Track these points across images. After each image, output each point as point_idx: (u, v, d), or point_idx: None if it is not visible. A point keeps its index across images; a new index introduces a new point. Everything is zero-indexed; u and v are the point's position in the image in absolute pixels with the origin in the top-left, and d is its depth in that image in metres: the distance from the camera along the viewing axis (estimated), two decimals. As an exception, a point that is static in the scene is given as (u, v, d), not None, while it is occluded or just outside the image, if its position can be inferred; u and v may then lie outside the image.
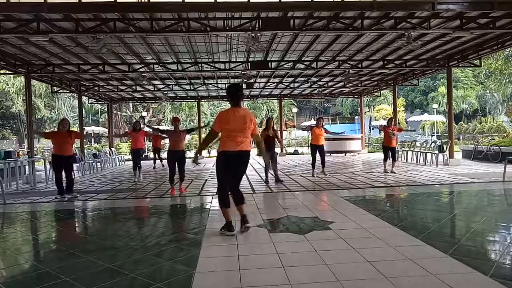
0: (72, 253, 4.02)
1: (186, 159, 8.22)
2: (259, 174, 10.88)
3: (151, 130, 8.26)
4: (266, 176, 9.32)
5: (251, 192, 7.93)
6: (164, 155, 15.44)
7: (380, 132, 36.83)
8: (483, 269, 3.11)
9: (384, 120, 34.27)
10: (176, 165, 7.72)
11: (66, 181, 7.81)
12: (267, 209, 6.12)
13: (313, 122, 30.86)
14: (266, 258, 3.59)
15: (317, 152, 10.24)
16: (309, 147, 10.79)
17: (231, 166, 4.45)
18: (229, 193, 4.53)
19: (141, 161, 10.62)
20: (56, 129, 7.98)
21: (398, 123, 12.04)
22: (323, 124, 10.51)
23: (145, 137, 10.92)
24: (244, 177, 10.53)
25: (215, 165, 4.56)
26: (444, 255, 3.49)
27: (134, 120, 30.32)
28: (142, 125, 11.98)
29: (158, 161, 14.66)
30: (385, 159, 10.91)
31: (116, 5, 7.59)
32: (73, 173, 7.99)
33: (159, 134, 8.20)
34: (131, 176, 11.15)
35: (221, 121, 4.42)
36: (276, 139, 9.24)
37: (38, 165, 13.09)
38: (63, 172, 7.80)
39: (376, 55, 13.01)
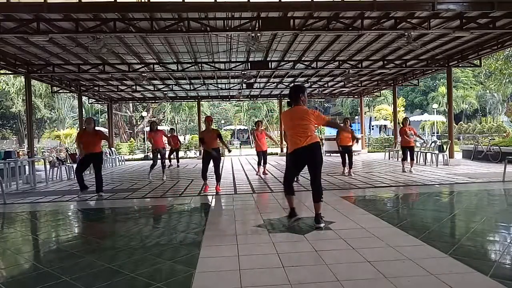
0: (72, 253, 4.02)
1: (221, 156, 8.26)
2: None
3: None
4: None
5: (251, 192, 7.93)
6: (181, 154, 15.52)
7: (380, 132, 36.91)
8: (483, 269, 3.11)
9: (385, 120, 34.34)
10: (212, 164, 7.75)
11: (96, 179, 7.92)
12: (267, 209, 6.12)
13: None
14: (266, 258, 3.59)
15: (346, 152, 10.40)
16: (338, 148, 10.86)
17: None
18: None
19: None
20: (84, 128, 8.16)
21: (398, 123, 12.06)
22: (351, 124, 10.63)
23: (163, 137, 10.90)
24: (244, 176, 10.65)
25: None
26: (444, 255, 3.48)
27: (135, 120, 30.21)
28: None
29: (173, 161, 14.80)
30: (404, 159, 10.87)
31: (116, 5, 7.60)
32: (101, 172, 8.09)
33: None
34: (131, 176, 11.15)
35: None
36: None
37: (38, 165, 13.09)
38: (87, 171, 7.89)
39: (376, 55, 13.01)
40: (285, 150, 9.86)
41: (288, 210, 4.97)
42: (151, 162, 15.09)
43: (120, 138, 31.96)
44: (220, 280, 3.11)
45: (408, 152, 10.72)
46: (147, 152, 20.78)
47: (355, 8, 8.13)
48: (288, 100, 4.88)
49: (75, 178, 8.47)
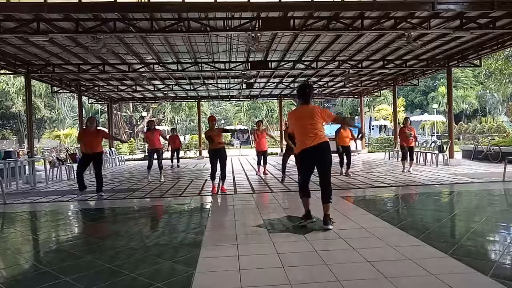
0: (72, 253, 4.02)
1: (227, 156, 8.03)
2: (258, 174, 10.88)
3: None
4: (284, 174, 9.33)
5: (251, 192, 7.93)
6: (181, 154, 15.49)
7: (380, 132, 36.93)
8: (483, 269, 3.11)
9: (385, 120, 34.34)
10: (218, 163, 7.66)
11: (96, 179, 7.93)
12: (267, 209, 6.12)
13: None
14: (266, 258, 3.59)
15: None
16: (336, 148, 10.78)
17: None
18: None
19: (154, 161, 10.33)
20: (84, 127, 8.11)
21: (398, 123, 11.96)
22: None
23: (160, 137, 10.59)
24: (244, 176, 10.64)
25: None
26: (444, 255, 3.49)
27: (135, 120, 30.14)
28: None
29: (175, 161, 14.79)
30: (403, 159, 10.87)
31: (116, 5, 7.60)
32: (101, 172, 8.08)
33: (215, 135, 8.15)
34: (130, 176, 11.14)
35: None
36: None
37: (38, 165, 13.09)
38: (87, 171, 7.92)
39: (376, 55, 13.00)
40: (284, 150, 9.90)
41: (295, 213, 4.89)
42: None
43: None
44: (220, 280, 3.11)
45: (408, 152, 10.75)
46: (147, 152, 20.84)
47: (355, 8, 8.12)
48: (300, 97, 4.73)
49: (75, 178, 8.46)
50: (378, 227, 4.55)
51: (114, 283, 3.09)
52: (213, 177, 7.74)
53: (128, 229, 5.18)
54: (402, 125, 11.18)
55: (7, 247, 4.42)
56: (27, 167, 11.30)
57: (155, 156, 10.24)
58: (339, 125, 10.59)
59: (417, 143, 11.22)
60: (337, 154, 10.25)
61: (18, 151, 14.91)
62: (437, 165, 12.16)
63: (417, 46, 10.33)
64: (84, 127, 8.04)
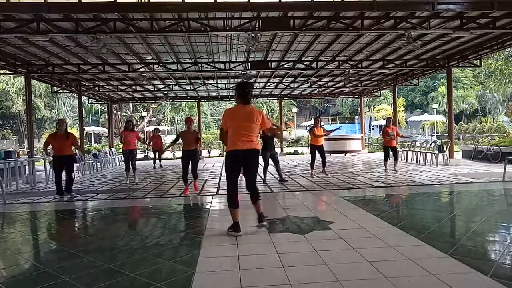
0: (72, 253, 4.02)
1: (199, 159, 8.11)
2: (258, 174, 10.88)
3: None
4: (265, 176, 9.34)
5: (251, 192, 7.92)
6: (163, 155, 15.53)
7: (380, 133, 36.91)
8: (483, 269, 3.11)
9: (384, 120, 34.33)
10: (190, 164, 7.70)
11: (66, 181, 7.82)
12: (267, 209, 6.10)
13: (313, 122, 30.89)
14: (266, 258, 3.59)
15: (317, 153, 10.22)
16: (309, 148, 10.76)
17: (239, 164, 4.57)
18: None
19: (137, 162, 10.41)
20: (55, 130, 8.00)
21: (398, 123, 11.90)
22: (321, 124, 10.51)
23: (137, 138, 10.68)
24: (243, 176, 10.59)
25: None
26: (444, 255, 3.49)
27: (135, 120, 30.02)
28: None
29: (157, 161, 14.76)
30: (385, 159, 10.93)
31: (116, 5, 7.60)
32: (73, 173, 7.98)
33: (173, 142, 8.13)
34: (130, 176, 11.10)
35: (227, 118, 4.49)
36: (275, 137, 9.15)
37: (38, 165, 13.08)
38: (63, 173, 7.81)
39: (376, 55, 13.00)
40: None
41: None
42: (150, 162, 15.17)
43: (120, 138, 31.90)
44: (220, 280, 3.11)
45: (391, 152, 10.79)
46: (147, 152, 20.77)
47: (355, 8, 8.12)
48: (239, 96, 4.47)
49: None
50: (378, 227, 4.55)
51: (114, 283, 3.09)
52: (184, 180, 7.77)
53: (128, 229, 5.18)
54: (385, 125, 11.19)
55: (7, 247, 4.42)
56: (27, 167, 11.30)
57: (130, 157, 10.15)
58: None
59: (400, 139, 11.16)
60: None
61: (18, 151, 14.89)
62: (437, 165, 12.16)
63: (417, 46, 10.34)
64: (55, 131, 7.92)
